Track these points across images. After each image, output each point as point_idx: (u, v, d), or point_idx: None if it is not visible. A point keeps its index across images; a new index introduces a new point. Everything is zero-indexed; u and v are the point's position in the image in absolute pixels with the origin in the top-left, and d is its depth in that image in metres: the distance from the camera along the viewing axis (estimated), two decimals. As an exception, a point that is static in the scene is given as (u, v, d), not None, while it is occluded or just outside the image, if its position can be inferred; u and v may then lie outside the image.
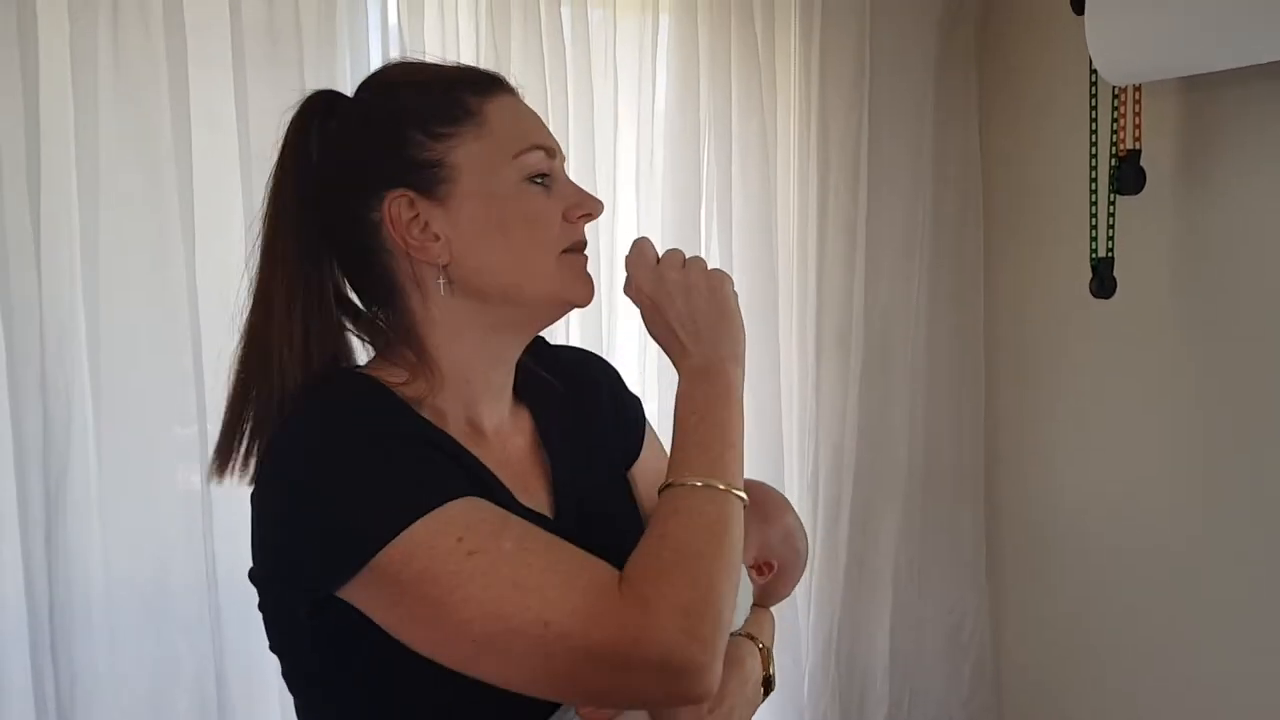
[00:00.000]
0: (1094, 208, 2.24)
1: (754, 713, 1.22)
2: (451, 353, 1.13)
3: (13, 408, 1.92)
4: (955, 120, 2.57)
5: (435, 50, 2.15)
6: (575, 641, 0.94)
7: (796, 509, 1.42)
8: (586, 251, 1.16)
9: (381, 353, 1.16)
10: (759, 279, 2.44)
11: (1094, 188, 2.24)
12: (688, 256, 1.18)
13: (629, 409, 1.36)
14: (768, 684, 1.25)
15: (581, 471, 1.22)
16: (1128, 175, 2.18)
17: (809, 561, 1.45)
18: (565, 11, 2.23)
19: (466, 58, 2.17)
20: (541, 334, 1.27)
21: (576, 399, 1.28)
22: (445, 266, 1.09)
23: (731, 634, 1.10)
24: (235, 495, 2.04)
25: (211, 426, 2.00)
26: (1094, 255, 2.24)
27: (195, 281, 2.00)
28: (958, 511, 2.66)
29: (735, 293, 1.19)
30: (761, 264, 2.44)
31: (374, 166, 1.10)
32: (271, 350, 1.10)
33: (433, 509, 0.97)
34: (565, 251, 1.13)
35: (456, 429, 1.13)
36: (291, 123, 1.14)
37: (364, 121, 1.12)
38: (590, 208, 1.14)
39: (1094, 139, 2.22)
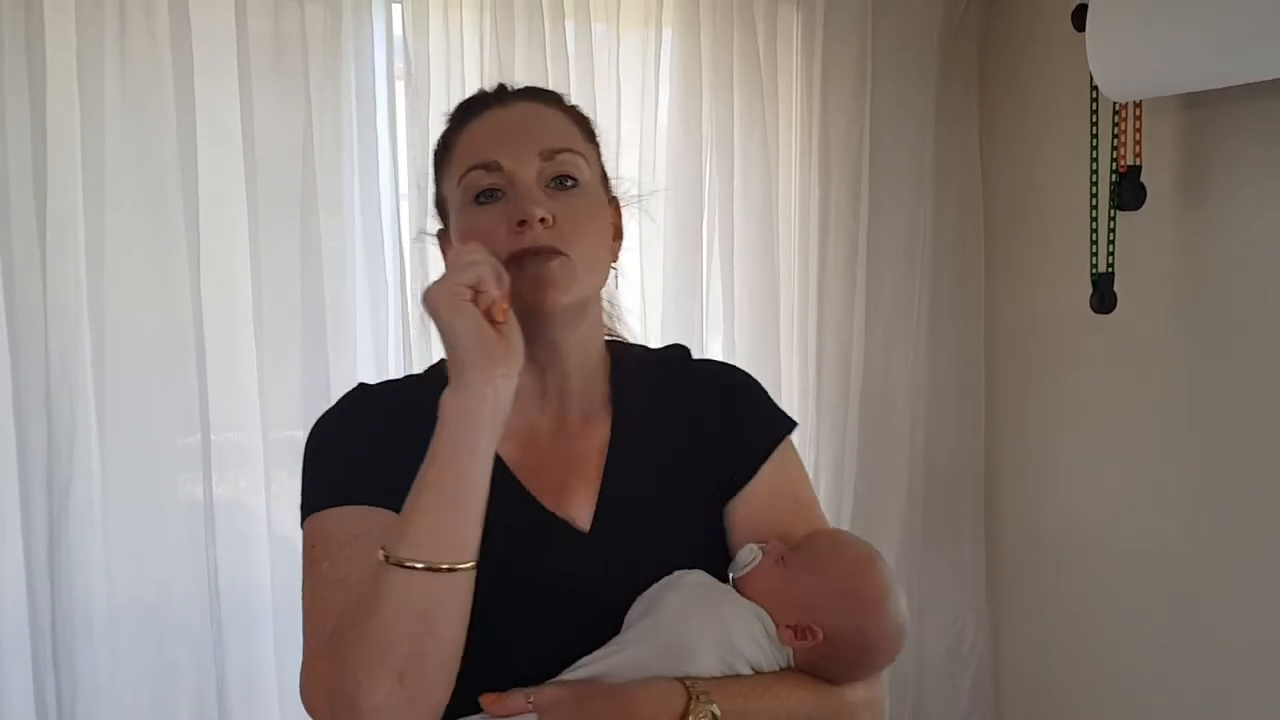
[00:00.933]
0: (1094, 223, 2.25)
1: None
2: None
3: (17, 418, 1.92)
4: (956, 134, 2.58)
5: (439, 64, 2.16)
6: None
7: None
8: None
9: None
10: (760, 292, 2.44)
11: (1094, 203, 2.25)
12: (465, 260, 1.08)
13: (754, 429, 1.28)
14: None
15: (646, 493, 1.19)
16: (1128, 191, 2.19)
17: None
18: (569, 25, 2.24)
19: (470, 71, 2.18)
20: (685, 345, 1.32)
21: (689, 417, 1.25)
22: None
23: (676, 677, 1.07)
24: (237, 506, 2.09)
25: (215, 436, 2.02)
26: (1094, 270, 2.25)
27: (200, 292, 2.01)
28: (958, 525, 2.66)
29: (451, 290, 1.04)
30: (763, 277, 2.44)
31: (433, 208, 1.26)
32: None
33: (322, 508, 1.13)
34: (511, 261, 1.10)
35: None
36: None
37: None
38: (523, 211, 1.11)
39: (1095, 154, 2.23)
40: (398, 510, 1.06)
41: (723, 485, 1.24)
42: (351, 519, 1.12)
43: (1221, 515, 2.14)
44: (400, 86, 2.16)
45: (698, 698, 1.06)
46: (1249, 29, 1.84)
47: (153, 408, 2.01)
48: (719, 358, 2.39)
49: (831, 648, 1.13)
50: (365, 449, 1.15)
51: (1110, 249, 2.24)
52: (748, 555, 1.18)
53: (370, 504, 1.11)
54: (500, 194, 1.14)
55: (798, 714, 1.12)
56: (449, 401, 1.03)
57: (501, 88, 1.23)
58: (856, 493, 2.54)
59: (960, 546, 2.66)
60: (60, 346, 1.95)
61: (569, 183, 1.16)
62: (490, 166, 1.14)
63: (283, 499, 2.08)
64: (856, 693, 1.17)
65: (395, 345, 2.16)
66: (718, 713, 1.06)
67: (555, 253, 1.12)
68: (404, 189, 2.15)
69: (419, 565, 1.00)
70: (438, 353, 2.21)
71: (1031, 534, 2.61)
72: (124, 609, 2.03)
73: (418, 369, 2.14)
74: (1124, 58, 2.06)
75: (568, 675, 1.10)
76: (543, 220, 1.11)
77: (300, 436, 2.01)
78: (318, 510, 1.14)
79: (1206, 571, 2.18)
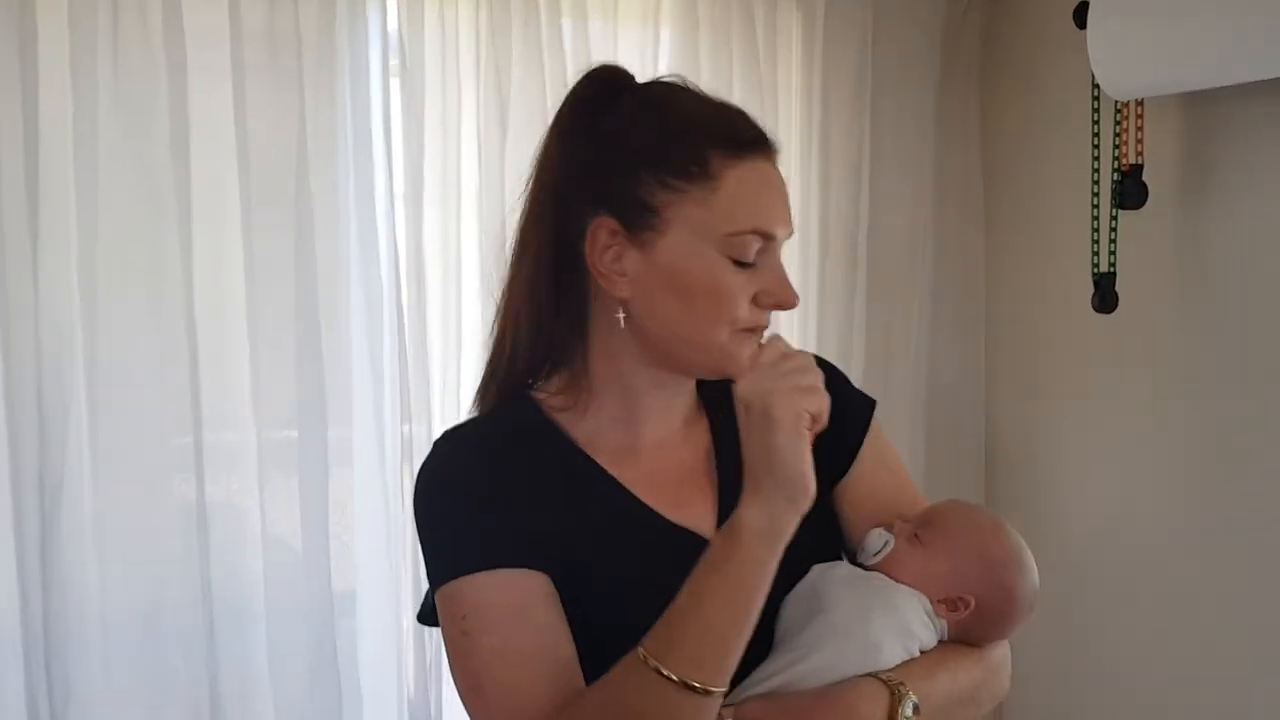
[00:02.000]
0: (1096, 222, 2.24)
1: None
2: (609, 376, 1.15)
3: (9, 420, 1.90)
4: (957, 134, 2.57)
5: (435, 60, 2.14)
6: None
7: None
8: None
9: (557, 361, 1.18)
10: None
11: (1096, 202, 2.23)
12: (785, 350, 1.05)
13: (847, 415, 1.26)
14: None
15: None
16: (1130, 190, 2.18)
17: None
18: (566, 23, 2.23)
19: (466, 68, 2.17)
20: None
21: None
22: (625, 302, 1.11)
23: (868, 674, 1.08)
24: (230, 507, 2.07)
25: (209, 436, 2.01)
26: (1096, 270, 2.24)
27: (193, 291, 1.99)
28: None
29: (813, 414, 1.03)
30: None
31: (603, 183, 1.11)
32: (509, 322, 1.18)
33: (461, 574, 1.08)
34: (742, 330, 1.11)
35: (605, 446, 1.16)
36: (574, 102, 1.16)
37: (618, 136, 1.12)
38: (784, 300, 1.12)
39: (1096, 153, 2.22)
40: (544, 570, 1.07)
41: (828, 470, 1.22)
42: (503, 587, 1.08)
43: (1224, 514, 2.13)
44: (395, 84, 2.14)
45: (897, 691, 1.08)
46: (1250, 27, 1.84)
47: (145, 408, 2.00)
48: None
49: (981, 613, 1.17)
50: (493, 504, 1.10)
51: (1112, 248, 2.23)
52: (879, 539, 1.19)
53: (517, 566, 1.08)
54: (755, 259, 1.10)
55: (967, 683, 1.16)
56: (752, 515, 1.00)
57: (752, 121, 1.15)
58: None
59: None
60: (53, 347, 1.93)
61: None
62: (769, 238, 1.10)
63: (276, 500, 2.07)
64: (999, 650, 1.22)
65: (390, 344, 2.14)
66: (917, 702, 1.08)
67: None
68: (399, 187, 2.13)
69: (697, 686, 0.98)
70: (435, 348, 2.20)
71: (1035, 535, 2.57)
72: (117, 611, 2.01)
73: (412, 367, 2.14)
74: (1125, 56, 2.05)
75: (754, 689, 1.08)
76: None
77: (294, 437, 2.03)
78: (456, 577, 1.09)
79: (1209, 571, 2.16)
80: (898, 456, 1.34)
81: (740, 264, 1.09)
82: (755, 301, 1.10)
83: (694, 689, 0.97)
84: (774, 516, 1.00)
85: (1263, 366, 2.05)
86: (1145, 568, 2.31)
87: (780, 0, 2.44)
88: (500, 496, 1.10)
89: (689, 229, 1.09)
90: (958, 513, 1.24)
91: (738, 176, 1.09)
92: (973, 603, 1.16)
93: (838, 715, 1.06)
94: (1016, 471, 2.63)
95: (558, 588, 1.09)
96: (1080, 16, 2.13)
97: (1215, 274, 2.14)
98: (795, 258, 2.48)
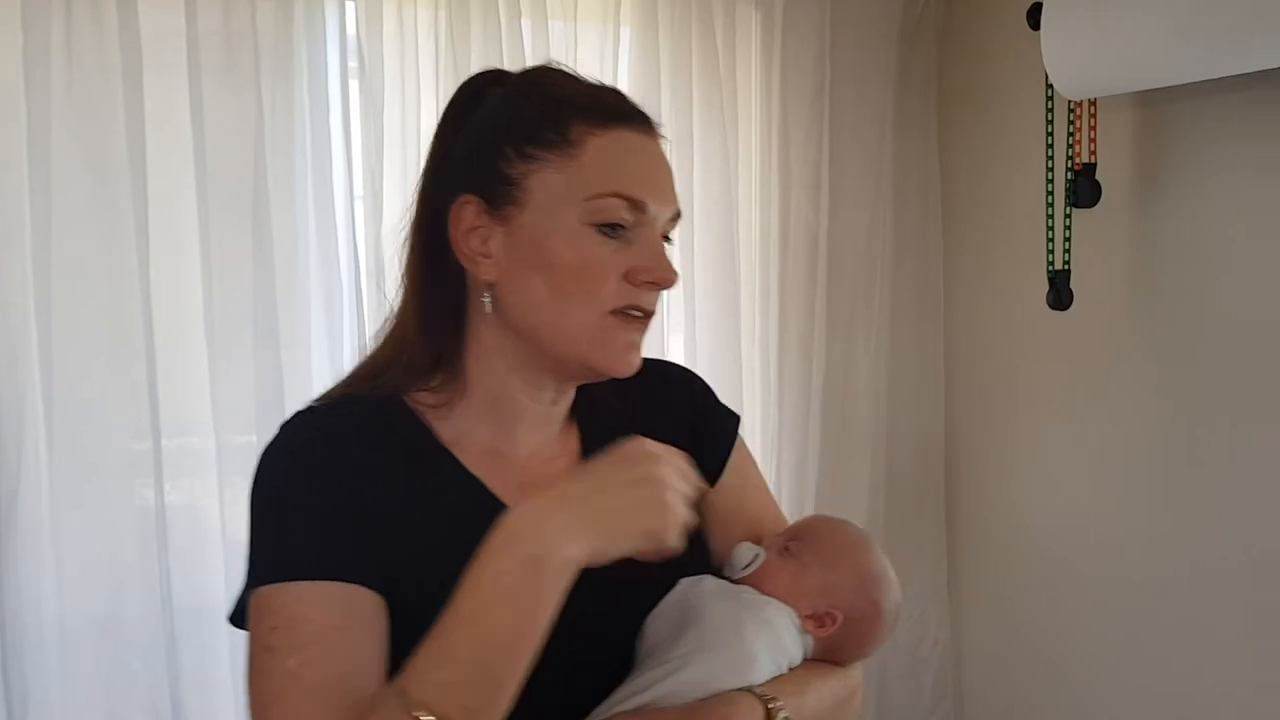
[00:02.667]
0: (1051, 220, 2.26)
1: None
2: (483, 373, 1.10)
3: (-38, 424, 1.88)
4: (915, 133, 2.59)
5: (394, 62, 2.13)
6: None
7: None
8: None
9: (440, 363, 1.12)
10: (721, 291, 2.44)
11: (1051, 201, 2.26)
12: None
13: (713, 429, 1.25)
14: None
15: None
16: (1084, 188, 2.20)
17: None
18: (526, 23, 2.22)
19: (425, 69, 2.16)
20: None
21: (646, 419, 1.16)
22: (491, 286, 1.07)
23: (742, 689, 1.04)
24: (190, 512, 2.05)
25: (166, 442, 1.99)
26: (1051, 268, 2.26)
27: (149, 295, 1.97)
28: (919, 522, 2.67)
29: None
30: (723, 275, 2.44)
31: (466, 165, 1.08)
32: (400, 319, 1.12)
33: (283, 579, 0.99)
34: (615, 313, 1.04)
35: (473, 447, 1.10)
36: (449, 104, 1.13)
37: (482, 119, 1.09)
38: (660, 276, 1.04)
39: (1050, 152, 2.24)
40: (378, 586, 0.98)
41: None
42: (324, 604, 0.98)
43: (1178, 510, 2.16)
44: (354, 85, 2.13)
45: (771, 706, 1.04)
46: (1202, 27, 1.86)
47: (103, 413, 1.98)
48: (680, 357, 2.39)
49: (848, 629, 1.15)
50: (336, 506, 1.01)
51: (1067, 246, 2.25)
52: (748, 553, 1.16)
53: (347, 580, 0.99)
54: (623, 230, 1.04)
55: (833, 702, 1.13)
56: (557, 526, 0.92)
57: (627, 99, 1.10)
58: (819, 491, 2.54)
59: (922, 543, 2.67)
60: (7, 350, 1.91)
61: (668, 243, 1.10)
62: (638, 205, 1.04)
63: (237, 505, 2.05)
64: (858, 671, 1.19)
65: (350, 347, 2.12)
66: (790, 717, 1.04)
67: (649, 319, 1.07)
68: (358, 189, 2.12)
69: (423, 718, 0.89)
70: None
71: (992, 530, 2.62)
72: (75, 617, 1.99)
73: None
74: (1079, 56, 2.08)
75: (623, 704, 1.03)
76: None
77: (254, 442, 2.02)
78: (276, 581, 0.99)
79: (1165, 566, 2.19)
80: (761, 473, 1.31)
81: (606, 234, 1.03)
82: (628, 279, 1.04)
83: None
84: (579, 563, 0.93)
85: (1214, 362, 2.08)
86: (1101, 562, 2.33)
87: (739, 0, 2.45)
88: (345, 497, 1.02)
89: (549, 197, 1.04)
90: (829, 527, 1.22)
91: (600, 144, 1.04)
92: (840, 618, 1.14)
93: None
94: (975, 466, 2.66)
95: (398, 600, 1.00)
96: (1034, 17, 2.16)
97: (1168, 271, 2.16)
98: (757, 256, 2.50)
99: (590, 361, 1.05)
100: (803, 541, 1.17)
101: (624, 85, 2.31)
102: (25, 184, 1.91)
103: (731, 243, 2.44)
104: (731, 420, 1.28)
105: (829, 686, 1.13)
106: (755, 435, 2.52)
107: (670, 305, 2.39)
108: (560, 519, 0.92)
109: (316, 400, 1.12)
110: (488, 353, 1.09)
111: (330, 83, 2.10)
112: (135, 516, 2.01)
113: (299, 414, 1.10)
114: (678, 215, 1.09)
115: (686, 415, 1.23)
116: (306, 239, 2.09)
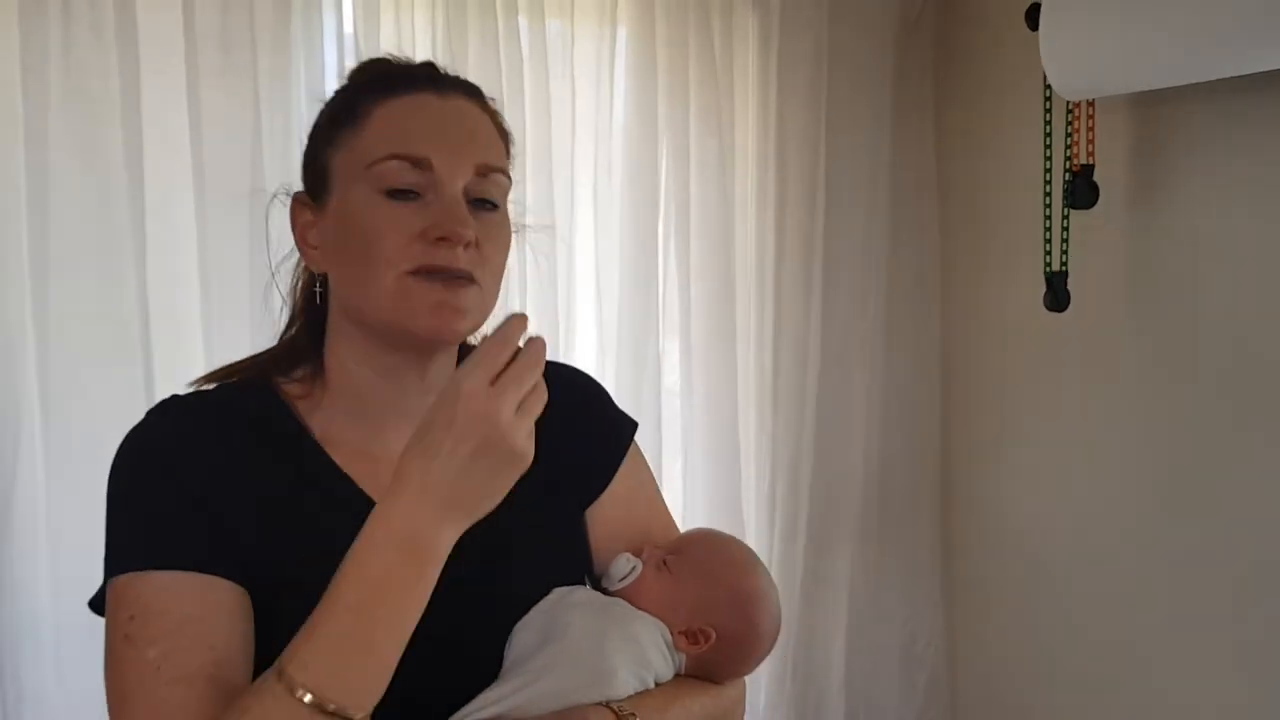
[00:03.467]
0: (1048, 222, 2.26)
1: None
2: (338, 367, 1.10)
3: (-42, 421, 1.88)
4: (912, 133, 2.59)
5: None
6: None
7: (752, 523, 1.27)
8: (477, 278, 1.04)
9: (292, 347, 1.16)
10: (717, 291, 2.44)
11: (1048, 202, 2.26)
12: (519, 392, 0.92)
13: (607, 436, 1.24)
14: None
15: (509, 507, 0.99)
16: (1081, 189, 2.20)
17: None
18: (522, 21, 2.22)
19: (423, 68, 2.16)
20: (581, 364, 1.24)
21: (540, 423, 1.13)
22: (322, 277, 1.10)
23: (598, 704, 1.04)
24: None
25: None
26: (1048, 269, 2.26)
27: (146, 292, 1.97)
28: (913, 524, 2.67)
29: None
30: (719, 276, 2.44)
31: (302, 167, 1.12)
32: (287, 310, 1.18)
33: (140, 568, 0.98)
34: (414, 274, 1.01)
35: (342, 442, 1.09)
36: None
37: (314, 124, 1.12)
38: (448, 230, 1.00)
39: (1048, 153, 2.24)
40: (239, 579, 0.98)
41: (580, 491, 1.21)
42: (183, 595, 0.97)
43: (1175, 513, 2.16)
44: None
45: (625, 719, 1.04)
46: (1200, 28, 1.86)
47: (99, 407, 1.97)
48: (675, 359, 2.40)
49: (722, 647, 1.14)
50: (198, 495, 1.01)
51: (1064, 248, 2.25)
52: (625, 565, 1.16)
53: (207, 572, 0.98)
54: (416, 195, 1.03)
55: (701, 717, 1.12)
56: (429, 516, 0.90)
57: (433, 68, 1.10)
58: (812, 492, 2.54)
59: (916, 545, 2.67)
60: (4, 344, 1.91)
61: (488, 206, 1.07)
62: (419, 163, 1.02)
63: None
64: (735, 689, 1.18)
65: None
66: None
67: (470, 280, 1.03)
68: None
69: (308, 700, 0.88)
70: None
71: (987, 530, 2.63)
72: (70, 614, 1.99)
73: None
74: (1077, 56, 2.07)
75: (478, 714, 1.03)
76: (467, 244, 1.01)
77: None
78: (135, 570, 0.98)
79: (1161, 569, 2.19)
80: (654, 482, 1.30)
81: (398, 199, 1.02)
82: (422, 237, 1.01)
83: (304, 702, 0.88)
84: (452, 539, 0.93)
85: (1212, 364, 2.08)
86: (1096, 563, 2.33)
87: (737, 1, 2.45)
88: (209, 487, 1.01)
89: (344, 175, 1.05)
90: (709, 543, 1.21)
91: (384, 111, 1.05)
92: (714, 636, 1.12)
93: None
94: (970, 468, 2.66)
95: (263, 591, 1.00)
96: (1033, 17, 2.15)
97: (1166, 272, 2.16)
98: (753, 257, 2.50)
99: (401, 324, 1.03)
100: (682, 556, 1.17)
101: (620, 84, 2.34)
102: (22, 183, 1.91)
103: (728, 243, 2.44)
104: (627, 427, 1.27)
105: (698, 703, 1.12)
106: (749, 436, 2.52)
107: (666, 305, 2.40)
108: (430, 509, 0.91)
109: (190, 384, 1.12)
110: (339, 347, 1.10)
111: (327, 82, 2.10)
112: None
113: (166, 401, 1.10)
114: (493, 170, 1.06)
115: (581, 422, 1.21)
116: (304, 238, 2.09)
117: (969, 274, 2.62)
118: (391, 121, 1.04)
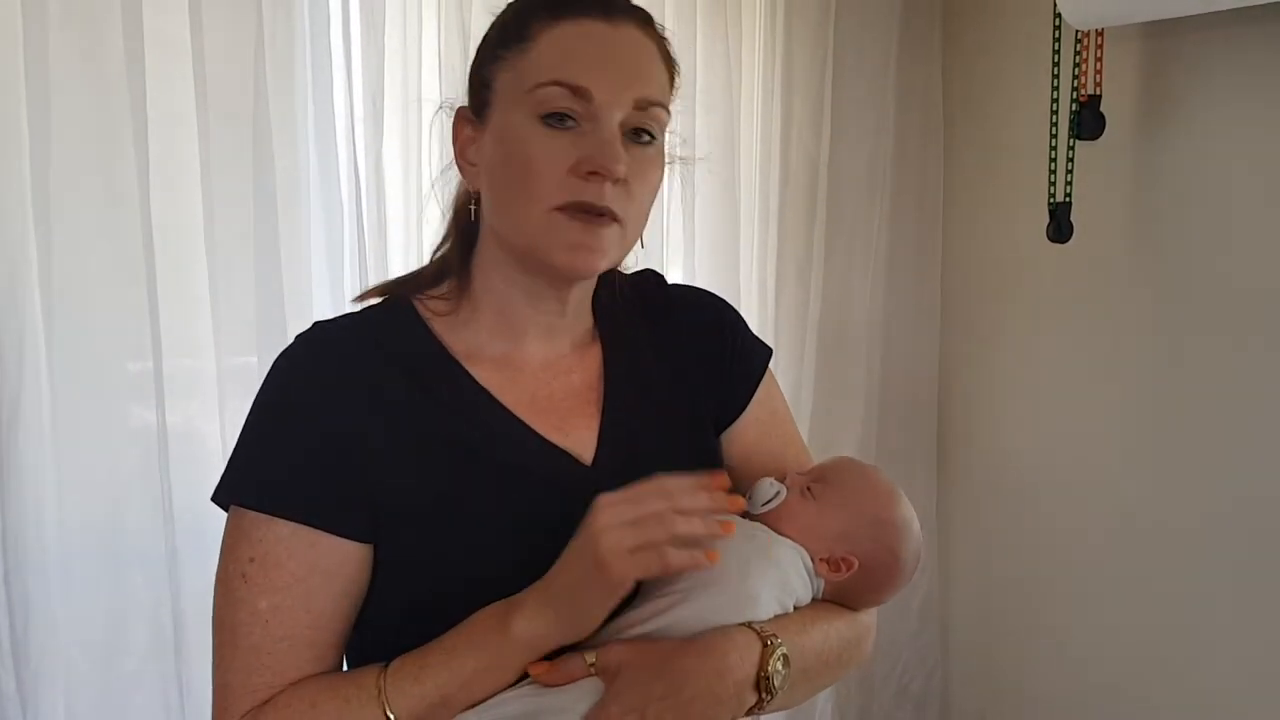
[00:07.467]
0: (1054, 152, 2.25)
1: (736, 713, 1.04)
2: (485, 286, 1.12)
3: (-38, 342, 1.88)
4: (918, 63, 2.57)
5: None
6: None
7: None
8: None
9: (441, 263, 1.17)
10: (721, 220, 2.44)
11: (1054, 132, 2.24)
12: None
13: (742, 361, 1.25)
14: (765, 685, 1.03)
15: (648, 422, 1.13)
16: (1088, 120, 2.19)
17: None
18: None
19: (428, 15, 2.13)
20: (655, 269, 1.25)
21: (672, 344, 1.20)
22: (479, 194, 1.10)
23: (741, 624, 1.04)
24: (191, 431, 2.06)
25: (167, 363, 1.99)
26: (1052, 200, 2.26)
27: (149, 216, 1.96)
28: (911, 453, 2.70)
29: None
30: (724, 205, 2.43)
31: (467, 83, 1.11)
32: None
33: (270, 511, 1.02)
34: (560, 209, 1.02)
35: (484, 358, 1.11)
36: None
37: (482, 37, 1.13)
38: (602, 164, 1.00)
39: (1056, 83, 2.22)
40: (355, 533, 1.02)
41: (717, 414, 1.22)
42: (304, 552, 1.02)
43: (1173, 445, 2.18)
44: (355, 5, 2.10)
45: (770, 643, 1.04)
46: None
47: (103, 332, 1.97)
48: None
49: (863, 576, 1.14)
50: (335, 439, 1.03)
51: (1069, 178, 2.24)
52: (770, 489, 1.16)
53: (332, 532, 1.02)
54: (573, 123, 1.02)
55: (837, 644, 1.14)
56: (525, 627, 0.98)
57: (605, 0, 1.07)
58: (812, 420, 2.56)
59: (912, 472, 2.70)
60: (6, 270, 1.90)
61: (646, 138, 1.05)
62: (579, 92, 1.01)
63: (236, 426, 2.04)
64: (870, 616, 1.21)
65: (350, 267, 2.12)
66: (788, 654, 1.05)
67: (613, 219, 1.03)
68: (358, 110, 2.10)
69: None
70: (397, 270, 2.18)
71: (984, 460, 2.65)
72: (76, 536, 2.00)
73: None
74: (1088, -15, 2.05)
75: (620, 635, 1.03)
76: (616, 180, 1.01)
77: (254, 363, 2.02)
78: (264, 513, 1.02)
79: (1157, 501, 2.21)
80: (788, 409, 1.31)
81: (554, 125, 1.02)
82: (573, 171, 1.01)
83: None
84: (544, 637, 0.99)
85: (1214, 296, 2.08)
86: (1092, 495, 2.36)
87: (745, -72, 2.42)
88: (349, 433, 1.03)
89: (506, 95, 1.05)
90: (855, 472, 1.20)
91: (552, 35, 1.04)
92: (856, 564, 1.13)
93: (706, 663, 1.00)
94: (968, 398, 2.67)
95: (403, 513, 1.04)
96: (1044, -55, 2.13)
97: (1170, 205, 2.16)
98: (757, 184, 2.49)
99: (539, 257, 1.05)
100: (826, 484, 1.16)
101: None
102: (23, 103, 1.88)
103: (732, 170, 2.43)
104: (761, 353, 1.28)
105: (834, 628, 1.14)
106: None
107: (669, 233, 2.39)
108: (544, 620, 0.98)
109: (352, 299, 1.16)
110: (487, 264, 1.12)
111: (331, 2, 2.07)
112: (136, 436, 2.01)
113: (311, 333, 1.11)
114: (652, 104, 1.05)
115: (715, 344, 1.23)
116: (307, 157, 2.07)
117: (972, 204, 2.62)
118: (556, 47, 1.03)
